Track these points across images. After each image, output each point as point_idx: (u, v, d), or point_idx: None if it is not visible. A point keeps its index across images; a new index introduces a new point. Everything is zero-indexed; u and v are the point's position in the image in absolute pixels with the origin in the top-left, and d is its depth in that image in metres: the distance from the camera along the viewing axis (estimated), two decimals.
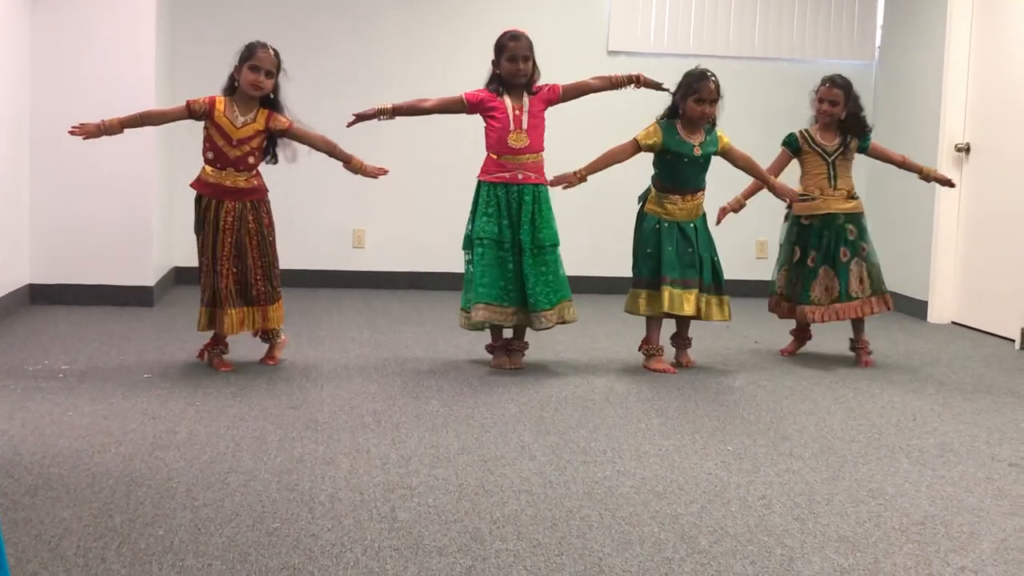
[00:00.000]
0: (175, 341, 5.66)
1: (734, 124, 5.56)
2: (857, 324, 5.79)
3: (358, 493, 3.34)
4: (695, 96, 5.20)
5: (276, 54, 4.98)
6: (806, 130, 5.74)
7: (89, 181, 6.76)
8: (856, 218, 5.71)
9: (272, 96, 5.01)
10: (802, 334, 5.95)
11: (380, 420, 4.23)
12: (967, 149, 7.17)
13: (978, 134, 7.12)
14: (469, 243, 5.26)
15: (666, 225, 5.32)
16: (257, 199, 5.02)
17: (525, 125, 5.17)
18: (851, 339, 5.85)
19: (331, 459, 3.69)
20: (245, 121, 4.95)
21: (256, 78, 4.91)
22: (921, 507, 3.39)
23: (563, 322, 5.28)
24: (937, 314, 7.34)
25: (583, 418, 4.38)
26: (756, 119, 7.58)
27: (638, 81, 5.32)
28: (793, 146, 5.74)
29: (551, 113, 5.30)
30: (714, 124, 5.34)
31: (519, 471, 3.62)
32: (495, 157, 5.19)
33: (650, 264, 5.34)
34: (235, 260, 4.96)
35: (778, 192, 5.49)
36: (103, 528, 2.97)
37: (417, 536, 2.98)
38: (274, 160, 5.12)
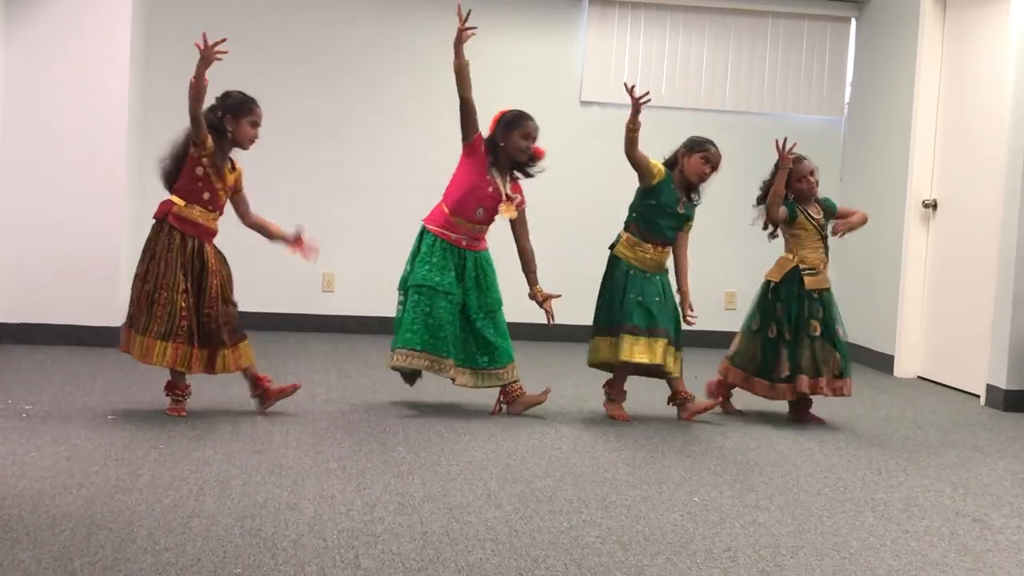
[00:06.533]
0: (140, 383, 5.62)
1: None
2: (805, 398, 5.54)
3: (321, 540, 3.31)
4: (702, 154, 5.37)
5: None
6: (796, 203, 5.52)
7: (56, 219, 6.71)
8: (827, 293, 5.55)
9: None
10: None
11: (345, 466, 4.21)
12: (934, 205, 7.25)
13: (945, 190, 7.20)
14: (404, 285, 5.31)
15: (632, 272, 5.37)
16: (212, 240, 5.05)
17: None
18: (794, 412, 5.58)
19: (295, 504, 3.66)
20: (228, 169, 5.00)
21: (255, 133, 4.97)
22: (885, 561, 3.40)
23: (514, 381, 5.38)
24: (903, 369, 7.38)
25: (550, 467, 4.36)
26: (725, 171, 7.63)
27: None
28: (792, 213, 5.51)
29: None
30: (696, 197, 5.48)
31: (484, 519, 3.60)
32: (448, 213, 5.27)
33: (612, 310, 5.36)
34: (222, 301, 4.94)
35: None
36: (62, 571, 2.93)
37: None
38: None
